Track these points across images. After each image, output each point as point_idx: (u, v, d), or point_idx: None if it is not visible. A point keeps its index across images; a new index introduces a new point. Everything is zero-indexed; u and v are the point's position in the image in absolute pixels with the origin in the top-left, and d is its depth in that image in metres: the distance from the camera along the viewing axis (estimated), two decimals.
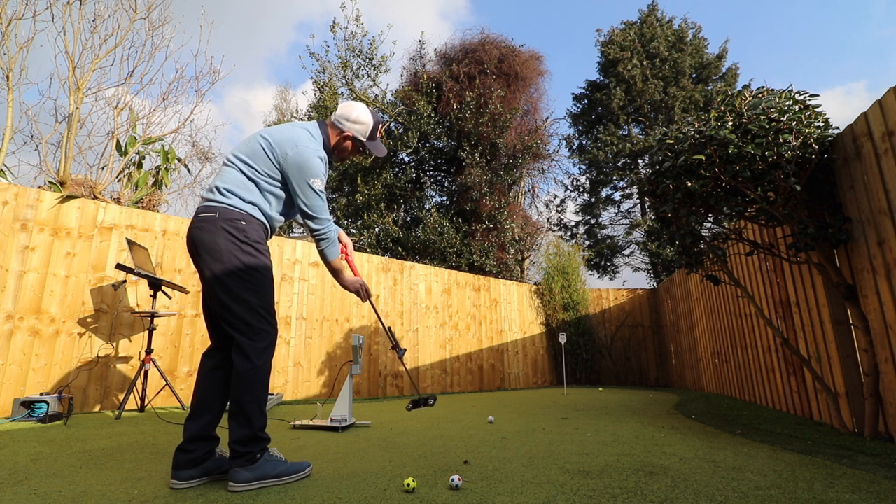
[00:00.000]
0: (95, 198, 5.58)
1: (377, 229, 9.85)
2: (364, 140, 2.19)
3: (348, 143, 2.19)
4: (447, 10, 36.72)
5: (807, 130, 2.68)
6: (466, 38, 11.33)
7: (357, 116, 2.16)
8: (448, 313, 7.23)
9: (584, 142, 16.88)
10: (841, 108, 38.40)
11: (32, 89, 27.71)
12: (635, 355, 8.84)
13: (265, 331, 1.89)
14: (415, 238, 9.69)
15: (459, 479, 1.74)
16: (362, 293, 2.26)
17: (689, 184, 2.95)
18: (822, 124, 2.80)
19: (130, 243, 3.93)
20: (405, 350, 2.62)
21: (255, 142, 2.01)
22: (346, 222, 10.67)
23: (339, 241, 2.30)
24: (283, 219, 2.08)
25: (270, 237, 2.09)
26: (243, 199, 1.93)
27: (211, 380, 1.92)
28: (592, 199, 16.52)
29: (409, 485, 1.70)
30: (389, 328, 2.46)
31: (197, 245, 1.90)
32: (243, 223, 1.91)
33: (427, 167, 11.36)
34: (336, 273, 2.18)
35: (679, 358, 7.70)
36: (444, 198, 11.41)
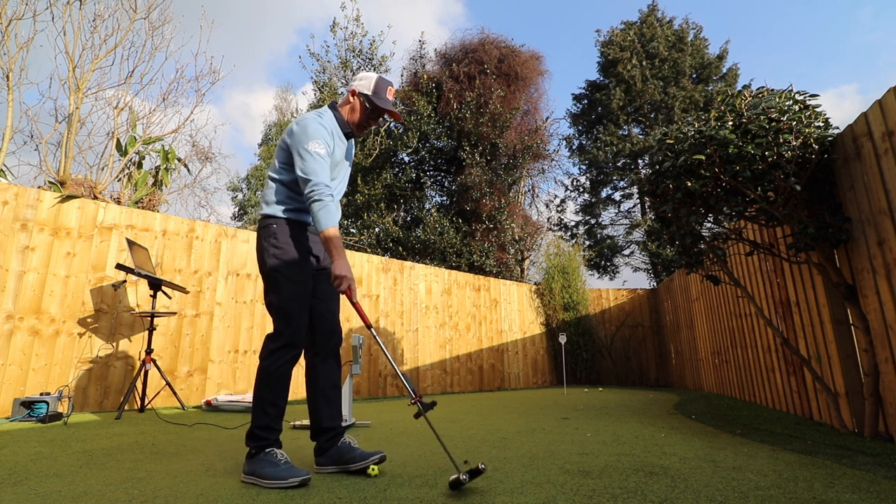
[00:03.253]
0: (95, 198, 5.58)
1: (377, 229, 9.85)
2: (368, 94, 2.12)
3: (356, 103, 2.14)
4: (444, 17, 36.84)
5: (807, 130, 2.68)
6: (466, 38, 11.34)
7: (361, 76, 2.19)
8: (448, 313, 7.23)
9: (584, 142, 16.89)
10: (834, 110, 38.81)
11: (32, 89, 27.71)
12: (635, 355, 8.83)
13: (279, 332, 1.95)
14: (415, 238, 9.69)
15: (466, 476, 1.65)
16: (346, 285, 1.91)
17: (689, 184, 2.95)
18: (822, 124, 2.80)
19: (130, 243, 3.93)
20: (433, 404, 1.85)
21: (278, 145, 2.13)
22: (345, 222, 10.67)
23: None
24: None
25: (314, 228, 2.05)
26: (271, 203, 2.03)
27: (307, 379, 2.11)
28: (592, 199, 16.53)
29: (374, 472, 1.87)
30: (404, 374, 1.91)
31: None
32: (274, 227, 2.00)
33: (427, 167, 11.36)
34: (330, 250, 1.91)
35: (679, 358, 7.70)
36: (444, 198, 11.41)
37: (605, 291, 9.26)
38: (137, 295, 4.45)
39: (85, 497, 1.64)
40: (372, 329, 1.98)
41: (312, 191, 1.91)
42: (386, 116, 2.34)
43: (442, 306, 7.17)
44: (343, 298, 4.99)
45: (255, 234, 5.35)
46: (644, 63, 15.27)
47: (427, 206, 10.75)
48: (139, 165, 6.35)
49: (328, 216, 1.89)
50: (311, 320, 2.07)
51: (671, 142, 3.14)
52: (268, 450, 1.87)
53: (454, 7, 37.54)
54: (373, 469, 1.88)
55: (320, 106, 10.62)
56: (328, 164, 1.98)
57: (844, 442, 2.64)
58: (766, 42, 34.88)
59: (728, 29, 32.26)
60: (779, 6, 34.98)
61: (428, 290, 7.06)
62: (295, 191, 2.04)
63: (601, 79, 16.50)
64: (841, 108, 37.71)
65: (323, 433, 2.02)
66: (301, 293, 1.98)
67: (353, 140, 2.27)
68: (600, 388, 7.46)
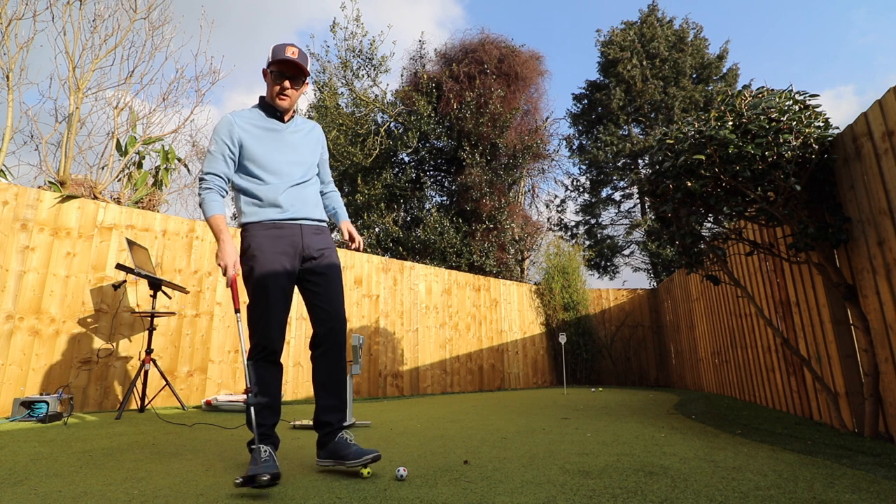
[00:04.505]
0: (95, 198, 5.58)
1: (377, 229, 9.85)
2: (269, 62, 2.09)
3: (267, 79, 2.13)
4: (443, 19, 36.90)
5: (807, 130, 2.68)
6: (466, 38, 11.33)
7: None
8: (448, 313, 7.23)
9: (584, 142, 16.87)
10: (832, 111, 39.03)
11: (32, 89, 27.70)
12: (635, 355, 8.83)
13: (250, 333, 2.04)
14: (415, 238, 9.69)
15: (405, 471, 1.85)
16: (227, 270, 2.01)
17: (689, 184, 2.95)
18: (822, 124, 2.80)
19: (130, 243, 3.93)
20: (255, 394, 1.93)
21: None
22: None
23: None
24: (261, 197, 2.06)
25: (291, 216, 2.08)
26: (238, 213, 2.10)
27: (312, 373, 2.13)
28: (592, 199, 16.51)
29: (367, 472, 1.88)
30: (249, 363, 1.99)
31: None
32: (243, 234, 2.09)
33: (427, 167, 11.36)
34: (215, 236, 2.04)
35: (679, 358, 7.70)
36: (444, 198, 11.41)
37: (605, 291, 9.26)
38: (137, 295, 4.45)
39: (85, 497, 1.64)
40: (238, 314, 2.03)
41: (198, 186, 2.08)
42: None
43: (442, 306, 7.17)
44: (348, 292, 5.01)
45: None
46: (644, 63, 15.26)
47: (427, 206, 10.75)
48: (139, 165, 6.35)
49: (207, 207, 2.04)
50: (310, 317, 2.15)
51: (671, 142, 3.14)
52: (254, 447, 1.90)
53: (453, 9, 37.62)
54: (366, 470, 1.90)
55: (320, 106, 10.65)
56: (218, 156, 2.05)
57: (844, 442, 2.64)
58: (764, 43, 35.02)
59: (728, 30, 32.35)
60: (776, 7, 35.09)
61: (428, 290, 7.06)
62: (251, 193, 2.07)
63: (601, 79, 16.49)
64: (839, 108, 37.89)
65: (321, 426, 2.04)
66: (268, 297, 2.00)
67: (295, 119, 2.22)
68: (600, 389, 7.46)
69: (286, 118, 2.18)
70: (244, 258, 2.04)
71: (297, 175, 2.14)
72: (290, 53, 2.04)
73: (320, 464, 2.02)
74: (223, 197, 2.08)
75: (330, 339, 2.08)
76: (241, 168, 2.09)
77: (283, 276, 2.02)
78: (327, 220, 2.28)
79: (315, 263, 2.10)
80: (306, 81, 2.16)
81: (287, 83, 2.09)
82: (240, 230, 2.09)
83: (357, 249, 2.31)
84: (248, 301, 2.06)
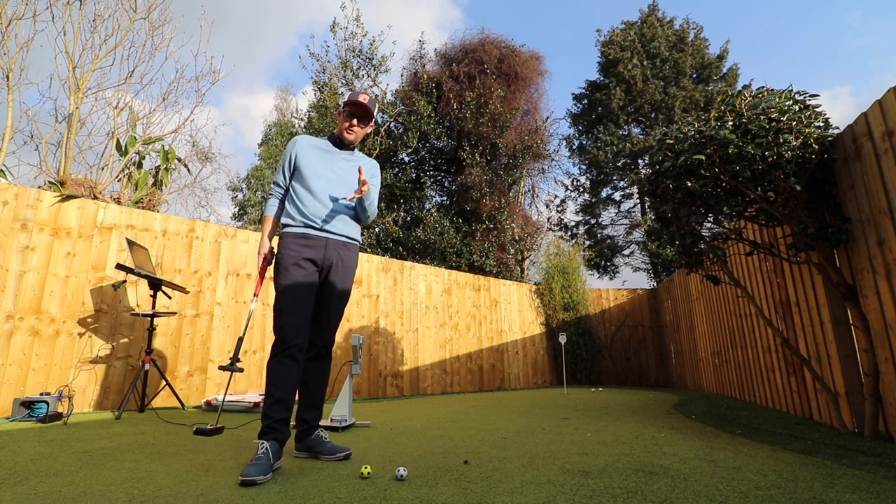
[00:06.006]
0: (95, 198, 5.57)
1: (377, 229, 9.85)
2: (344, 103, 2.47)
3: (340, 116, 2.49)
4: (443, 22, 36.99)
5: (807, 130, 2.68)
6: (466, 38, 11.33)
7: None
8: (448, 313, 7.23)
9: (584, 142, 16.87)
10: (828, 112, 39.07)
11: (32, 89, 27.70)
12: (635, 355, 8.83)
13: (273, 330, 2.21)
14: (415, 238, 9.68)
15: (405, 471, 1.87)
16: (258, 260, 2.42)
17: (689, 184, 2.95)
18: (822, 124, 2.80)
19: (130, 243, 3.93)
20: (237, 364, 2.45)
21: None
22: None
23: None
24: (299, 207, 2.32)
25: (319, 227, 2.32)
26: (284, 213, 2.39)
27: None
28: (592, 199, 16.51)
29: (367, 472, 1.89)
30: (241, 338, 2.55)
31: None
32: (279, 238, 2.32)
33: (427, 167, 11.36)
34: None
35: (679, 358, 7.70)
36: (444, 198, 11.40)
37: (605, 291, 9.26)
38: (137, 295, 4.45)
39: (85, 497, 1.64)
40: (254, 299, 2.48)
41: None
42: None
43: (442, 306, 7.17)
44: (351, 304, 5.21)
45: (255, 235, 5.36)
46: (644, 63, 15.26)
47: (427, 206, 10.74)
48: (139, 165, 6.34)
49: (263, 208, 2.46)
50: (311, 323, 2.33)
51: (671, 142, 3.14)
52: (257, 441, 2.04)
53: (452, 12, 37.70)
54: (365, 468, 1.91)
55: (320, 106, 10.65)
56: (279, 169, 2.44)
57: (844, 442, 2.64)
58: (764, 43, 35.11)
59: (728, 30, 32.41)
60: (775, 8, 35.17)
61: (428, 290, 7.06)
62: (292, 200, 2.35)
63: (601, 79, 16.48)
64: (836, 109, 38.03)
65: (300, 421, 2.34)
66: (286, 301, 2.19)
67: (354, 151, 2.53)
68: (600, 389, 7.46)
69: (347, 149, 2.50)
70: (275, 261, 2.29)
71: (334, 192, 2.38)
72: (362, 98, 2.42)
73: (297, 455, 2.32)
74: (279, 200, 2.44)
75: (322, 352, 2.39)
76: (293, 176, 2.41)
77: (303, 285, 2.23)
78: (358, 239, 2.50)
79: (331, 281, 2.34)
80: (371, 123, 2.52)
81: (355, 121, 2.45)
82: (283, 226, 2.34)
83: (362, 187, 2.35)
84: (275, 297, 2.27)
